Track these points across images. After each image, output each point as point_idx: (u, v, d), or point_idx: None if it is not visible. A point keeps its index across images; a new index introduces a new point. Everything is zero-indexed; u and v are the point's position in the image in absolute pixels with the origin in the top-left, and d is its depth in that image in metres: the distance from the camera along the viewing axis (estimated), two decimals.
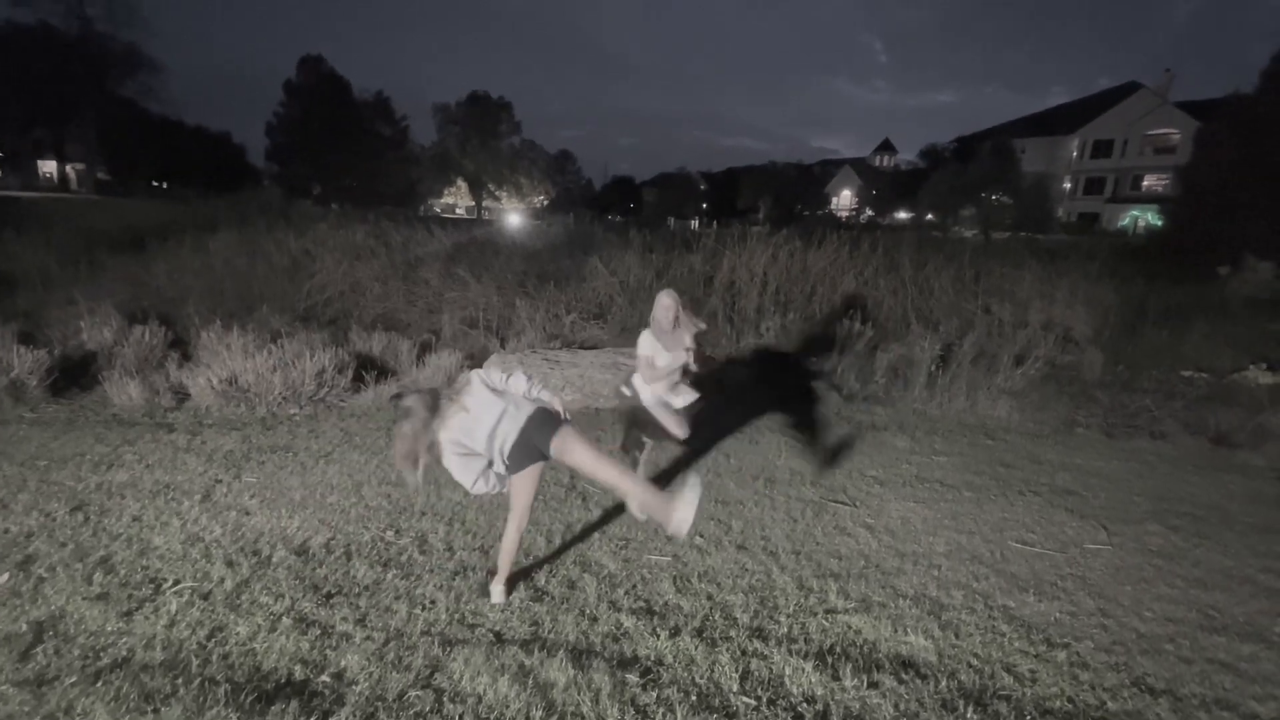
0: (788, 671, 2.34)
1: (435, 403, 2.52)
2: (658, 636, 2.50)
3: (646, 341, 3.43)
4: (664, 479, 4.14)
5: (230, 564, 2.83)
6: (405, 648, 2.35)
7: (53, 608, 2.46)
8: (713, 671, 2.32)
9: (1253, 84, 14.59)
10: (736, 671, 2.32)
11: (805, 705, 2.19)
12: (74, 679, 2.08)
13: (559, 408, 2.66)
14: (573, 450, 2.53)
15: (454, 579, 2.83)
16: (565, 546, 3.21)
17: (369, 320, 7.58)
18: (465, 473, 2.52)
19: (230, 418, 4.83)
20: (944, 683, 2.34)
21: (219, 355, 5.38)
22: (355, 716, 2.03)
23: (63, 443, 4.15)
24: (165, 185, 39.61)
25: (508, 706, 2.08)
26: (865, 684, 2.29)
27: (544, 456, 2.54)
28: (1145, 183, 42.43)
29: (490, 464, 2.54)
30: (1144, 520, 3.95)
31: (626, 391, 3.60)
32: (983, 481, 4.44)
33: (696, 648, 2.44)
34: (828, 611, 2.77)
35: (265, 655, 2.27)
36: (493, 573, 2.76)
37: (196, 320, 6.78)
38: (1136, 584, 3.20)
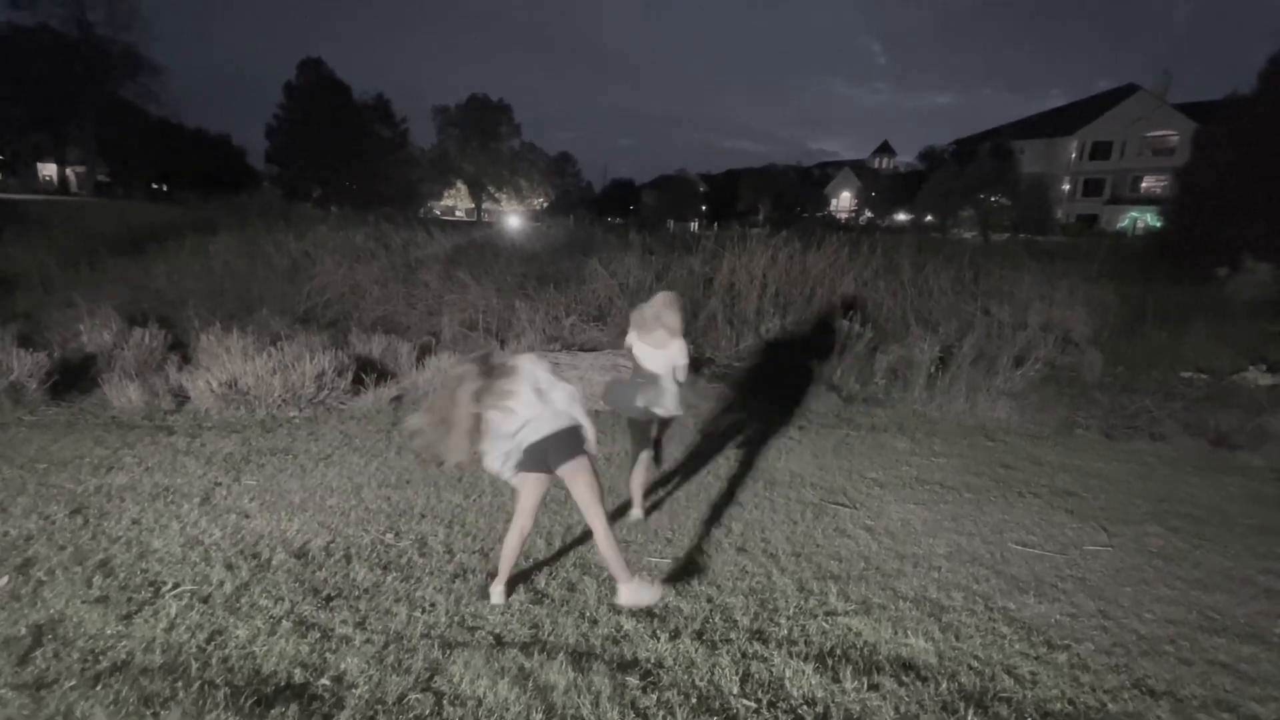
0: (788, 674, 2.34)
1: (488, 372, 2.47)
2: (658, 639, 2.49)
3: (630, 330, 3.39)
4: (665, 482, 4.14)
5: (230, 567, 2.83)
6: (405, 650, 2.34)
7: (52, 611, 2.45)
8: (713, 674, 2.32)
9: (1251, 85, 14.63)
10: (737, 674, 2.32)
11: (806, 708, 2.19)
12: (73, 682, 2.08)
13: (590, 436, 2.60)
14: (578, 482, 2.55)
15: (454, 582, 2.83)
16: (565, 549, 3.21)
17: (369, 323, 7.57)
18: (494, 447, 2.52)
19: (230, 420, 4.83)
20: (944, 685, 2.34)
21: (219, 358, 5.37)
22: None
23: (62, 445, 4.15)
24: (165, 187, 39.61)
25: (508, 709, 2.08)
26: (865, 686, 2.29)
27: (549, 471, 2.55)
28: (1144, 184, 42.48)
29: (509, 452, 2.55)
30: (1144, 521, 3.95)
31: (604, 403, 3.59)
32: (983, 483, 4.44)
33: (697, 650, 2.44)
34: (828, 614, 2.77)
35: (265, 658, 2.26)
36: (493, 575, 2.76)
37: (196, 323, 6.78)
38: (1137, 585, 3.20)
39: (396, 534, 3.24)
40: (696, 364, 6.94)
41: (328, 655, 2.30)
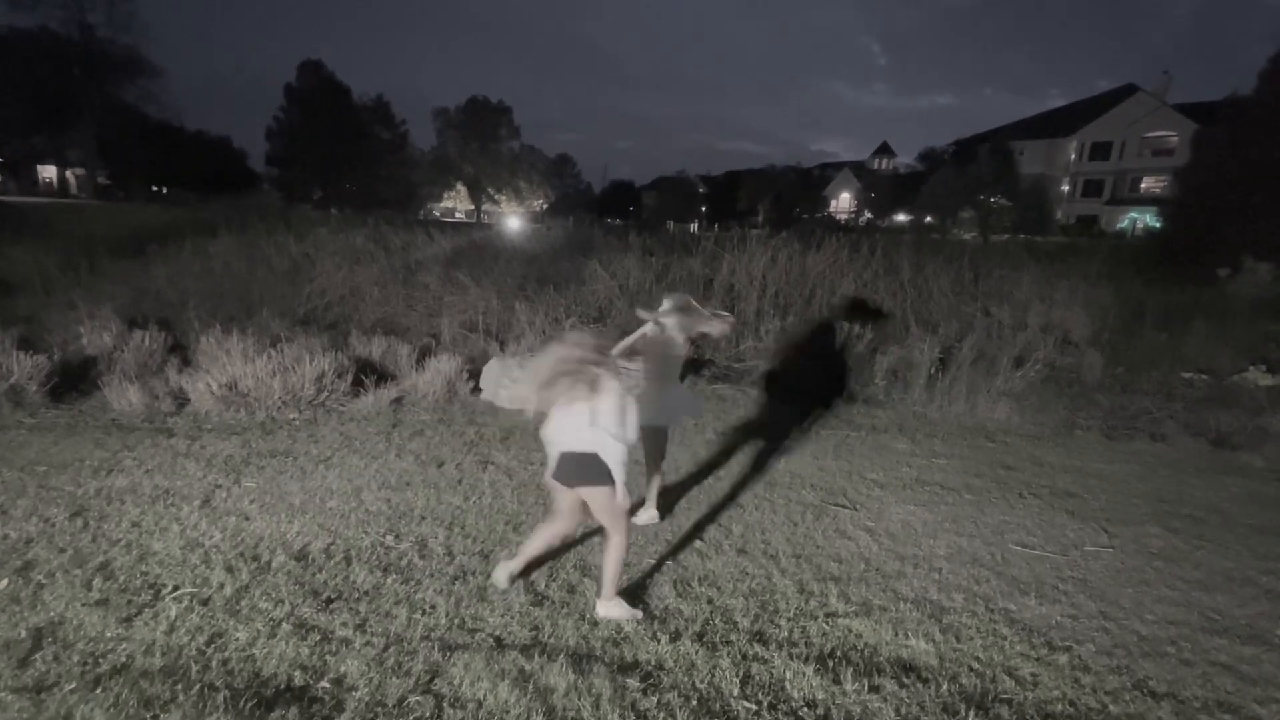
0: (788, 676, 2.34)
1: (596, 361, 2.44)
2: (658, 641, 2.49)
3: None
4: (665, 484, 4.13)
5: (230, 569, 2.83)
6: (405, 653, 2.34)
7: (52, 614, 2.45)
8: (713, 676, 2.31)
9: (1251, 86, 14.64)
10: (737, 676, 2.32)
11: (806, 710, 2.19)
12: (73, 685, 2.08)
13: (617, 473, 2.48)
14: (593, 505, 2.57)
15: (454, 584, 2.83)
16: (565, 551, 3.20)
17: (368, 324, 7.57)
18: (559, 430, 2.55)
19: (230, 422, 4.83)
20: (945, 686, 2.33)
21: (218, 360, 5.37)
22: None
23: (62, 448, 4.15)
24: (165, 190, 39.66)
25: (508, 712, 2.07)
26: (866, 688, 2.29)
27: (566, 485, 2.56)
28: (1144, 185, 42.52)
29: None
30: (1144, 522, 3.95)
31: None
32: (983, 484, 4.44)
33: (697, 652, 2.44)
34: (828, 615, 2.76)
35: (265, 661, 2.26)
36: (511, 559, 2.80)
37: (196, 325, 6.78)
38: (1137, 586, 3.19)
39: (397, 536, 3.24)
40: (696, 366, 6.94)
41: (328, 658, 2.30)
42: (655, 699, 2.17)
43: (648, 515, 3.57)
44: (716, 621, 2.67)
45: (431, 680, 2.21)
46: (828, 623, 2.70)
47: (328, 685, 2.17)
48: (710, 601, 2.82)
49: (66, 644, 2.29)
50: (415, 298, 8.46)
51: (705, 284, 8.67)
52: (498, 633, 2.51)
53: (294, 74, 44.41)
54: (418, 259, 9.67)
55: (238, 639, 2.36)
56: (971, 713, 2.20)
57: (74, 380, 5.35)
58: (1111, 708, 2.31)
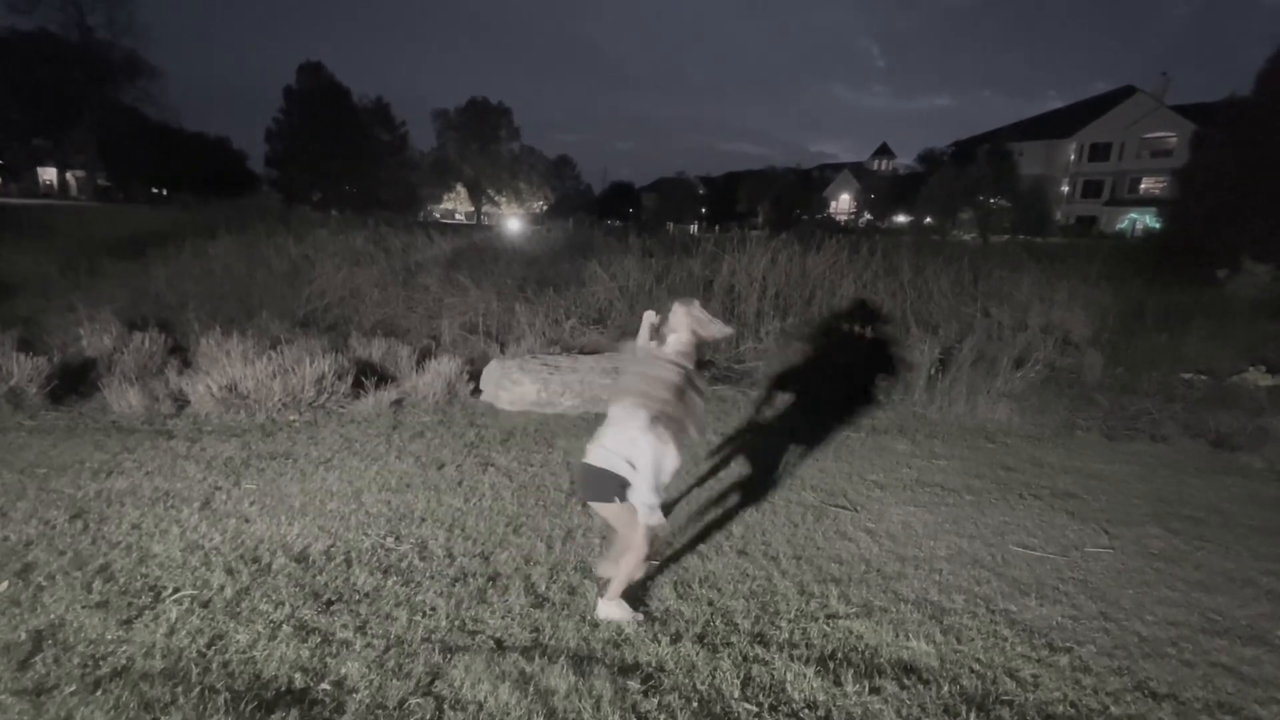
0: (789, 677, 2.33)
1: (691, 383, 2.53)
2: (659, 642, 2.49)
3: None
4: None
5: (230, 571, 2.83)
6: (406, 655, 2.34)
7: (52, 616, 2.45)
8: (714, 677, 2.31)
9: (1249, 87, 14.65)
10: (738, 677, 2.32)
11: (807, 711, 2.19)
12: (73, 688, 2.08)
13: (642, 514, 2.47)
14: (609, 519, 2.60)
15: (454, 585, 2.83)
16: (566, 552, 3.20)
17: (368, 326, 7.58)
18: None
19: (230, 424, 4.82)
20: (946, 688, 2.33)
21: (218, 362, 5.37)
22: None
23: (62, 450, 4.14)
24: (165, 191, 39.64)
25: (508, 714, 2.07)
26: (867, 689, 2.28)
27: (585, 499, 2.61)
28: (1143, 185, 42.57)
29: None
30: (1145, 523, 3.95)
31: None
32: (983, 485, 4.44)
33: (698, 653, 2.44)
34: (829, 617, 2.76)
35: (265, 663, 2.26)
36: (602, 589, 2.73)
37: (196, 326, 6.78)
38: (1138, 587, 3.19)
39: (397, 538, 3.24)
40: (696, 367, 6.93)
41: (328, 660, 2.29)
42: (656, 701, 2.17)
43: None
44: (717, 623, 2.67)
45: (432, 682, 2.21)
46: (828, 624, 2.70)
47: (328, 687, 2.16)
48: (711, 603, 2.82)
49: (66, 646, 2.28)
50: (415, 299, 8.47)
51: (705, 285, 8.67)
52: (498, 635, 2.51)
53: (294, 76, 44.49)
54: (418, 260, 9.68)
55: (238, 641, 2.36)
56: (972, 714, 2.20)
57: (74, 382, 5.35)
58: (1113, 709, 2.31)
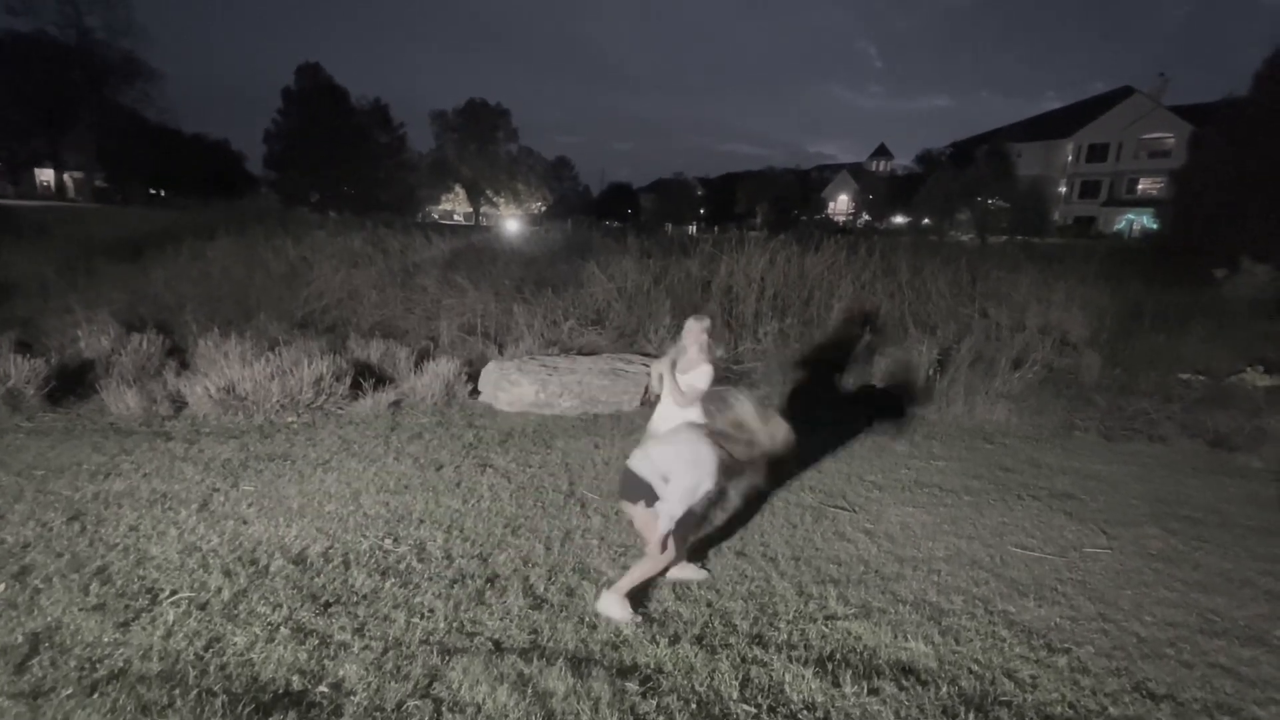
0: (788, 678, 2.33)
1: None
2: (657, 644, 2.49)
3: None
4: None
5: (228, 573, 2.82)
6: (404, 657, 2.34)
7: (49, 619, 2.44)
8: (712, 679, 2.31)
9: (1246, 88, 14.70)
10: (736, 679, 2.31)
11: (805, 712, 2.18)
12: (70, 691, 2.07)
13: (663, 524, 2.54)
14: (635, 520, 2.70)
15: (452, 587, 2.82)
16: (564, 554, 3.20)
17: (367, 327, 7.56)
18: None
19: (228, 426, 4.82)
20: (945, 689, 2.33)
21: (216, 363, 5.36)
22: None
23: (59, 452, 4.14)
24: (163, 193, 39.59)
25: (507, 716, 2.07)
26: (865, 691, 2.28)
27: (618, 496, 2.71)
28: (1140, 186, 42.61)
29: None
30: (1143, 523, 3.95)
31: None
32: (981, 486, 4.44)
33: (696, 655, 2.43)
34: (827, 618, 2.76)
35: (263, 665, 2.25)
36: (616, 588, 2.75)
37: (194, 328, 6.76)
38: (1136, 588, 3.20)
39: (395, 539, 3.23)
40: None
41: (326, 662, 2.29)
42: (654, 702, 2.17)
43: None
44: (715, 624, 2.67)
45: (430, 684, 2.20)
46: (827, 625, 2.70)
47: (326, 689, 2.16)
48: (709, 604, 2.82)
49: (63, 649, 2.28)
50: (413, 300, 8.46)
51: (703, 286, 8.67)
52: (497, 636, 2.51)
53: (292, 77, 44.46)
54: (416, 262, 9.66)
55: (236, 643, 2.36)
56: (971, 715, 2.20)
57: (71, 384, 5.33)
58: (1111, 710, 2.31)
